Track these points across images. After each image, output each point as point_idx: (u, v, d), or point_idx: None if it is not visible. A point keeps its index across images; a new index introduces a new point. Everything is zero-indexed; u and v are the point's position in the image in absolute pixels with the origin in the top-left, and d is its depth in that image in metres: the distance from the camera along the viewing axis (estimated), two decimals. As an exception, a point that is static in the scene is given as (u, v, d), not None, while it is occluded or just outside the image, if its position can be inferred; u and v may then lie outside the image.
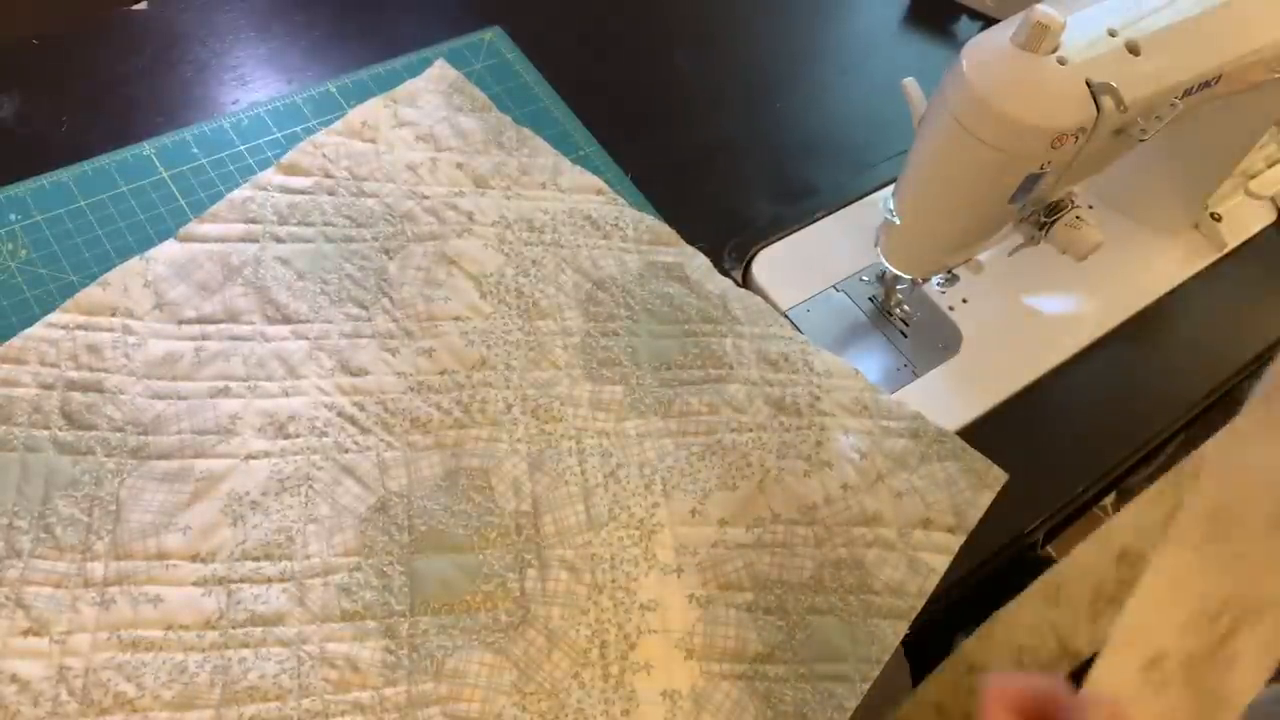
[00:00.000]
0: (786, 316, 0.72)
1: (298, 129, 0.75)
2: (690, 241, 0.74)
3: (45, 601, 0.55)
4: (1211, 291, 0.80)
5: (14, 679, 0.53)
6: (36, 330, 0.62)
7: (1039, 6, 0.56)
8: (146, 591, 0.56)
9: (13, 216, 0.68)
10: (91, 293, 0.64)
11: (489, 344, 0.67)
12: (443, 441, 0.63)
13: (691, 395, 0.67)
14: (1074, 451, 0.71)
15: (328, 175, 0.72)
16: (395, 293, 0.68)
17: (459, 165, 0.74)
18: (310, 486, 0.60)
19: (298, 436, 0.62)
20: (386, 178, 0.73)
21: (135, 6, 0.81)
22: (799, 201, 0.80)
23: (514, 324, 0.68)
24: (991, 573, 0.67)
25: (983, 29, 0.60)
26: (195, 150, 0.73)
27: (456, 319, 0.68)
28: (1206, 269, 0.81)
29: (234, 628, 0.56)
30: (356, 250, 0.69)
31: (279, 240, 0.69)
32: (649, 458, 0.64)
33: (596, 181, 0.75)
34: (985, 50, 0.58)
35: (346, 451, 0.62)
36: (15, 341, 0.62)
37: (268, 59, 0.80)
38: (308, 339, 0.65)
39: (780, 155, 0.83)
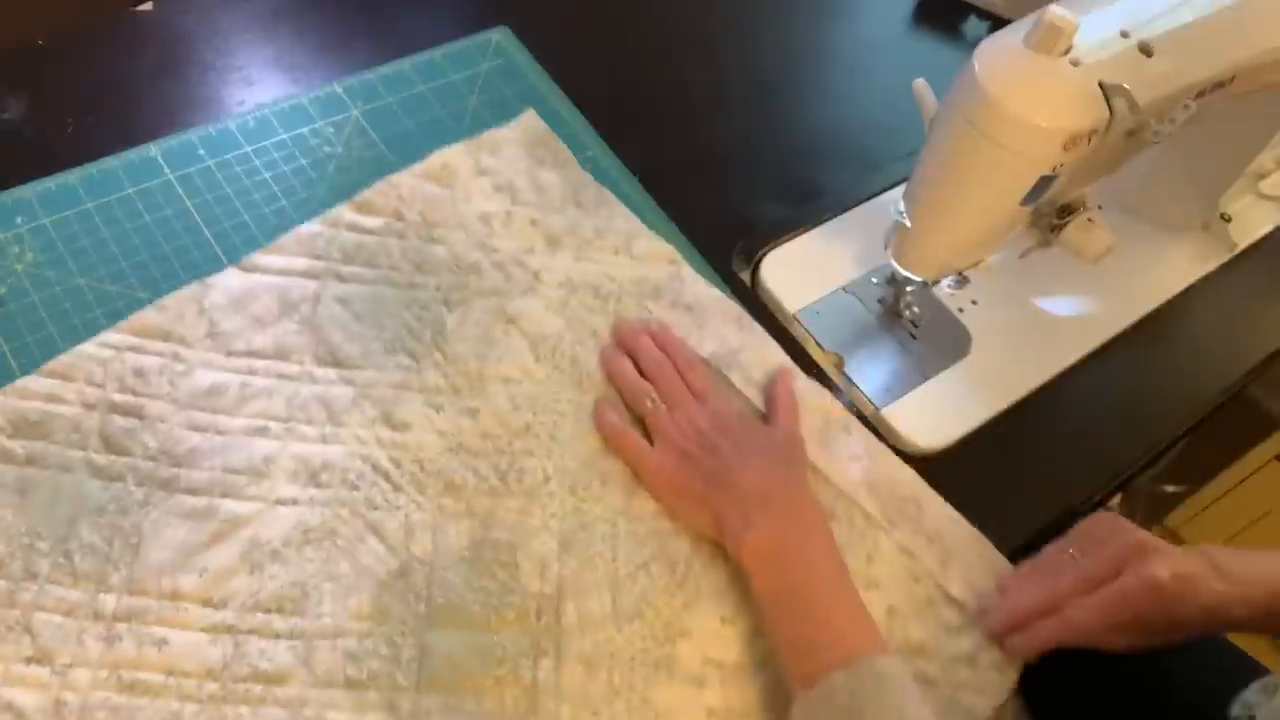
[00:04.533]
0: (797, 320, 0.72)
1: (304, 130, 0.74)
2: (696, 242, 0.71)
3: (53, 630, 0.54)
4: (1222, 292, 0.79)
5: (10, 707, 0.52)
6: (88, 348, 0.62)
7: (1051, 8, 0.56)
8: (154, 632, 0.55)
9: (19, 220, 0.67)
10: (147, 315, 0.64)
11: (535, 410, 0.65)
12: (474, 509, 0.61)
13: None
14: (1084, 453, 0.70)
15: (399, 218, 0.71)
16: (449, 347, 0.66)
17: (533, 221, 0.72)
18: (333, 542, 0.59)
19: (329, 487, 0.60)
20: (458, 225, 0.71)
21: (141, 8, 0.80)
22: (808, 203, 0.78)
23: (564, 393, 0.66)
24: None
25: (992, 29, 0.60)
26: (201, 151, 0.72)
27: (506, 380, 0.65)
28: (1217, 270, 0.80)
29: (235, 681, 0.54)
30: (417, 298, 0.68)
31: (341, 279, 0.68)
32: (684, 553, 0.61)
33: (670, 250, 0.73)
34: (997, 51, 0.58)
35: (376, 508, 0.60)
36: (65, 358, 0.62)
37: (274, 59, 0.79)
38: (354, 385, 0.64)
39: (788, 156, 0.82)
